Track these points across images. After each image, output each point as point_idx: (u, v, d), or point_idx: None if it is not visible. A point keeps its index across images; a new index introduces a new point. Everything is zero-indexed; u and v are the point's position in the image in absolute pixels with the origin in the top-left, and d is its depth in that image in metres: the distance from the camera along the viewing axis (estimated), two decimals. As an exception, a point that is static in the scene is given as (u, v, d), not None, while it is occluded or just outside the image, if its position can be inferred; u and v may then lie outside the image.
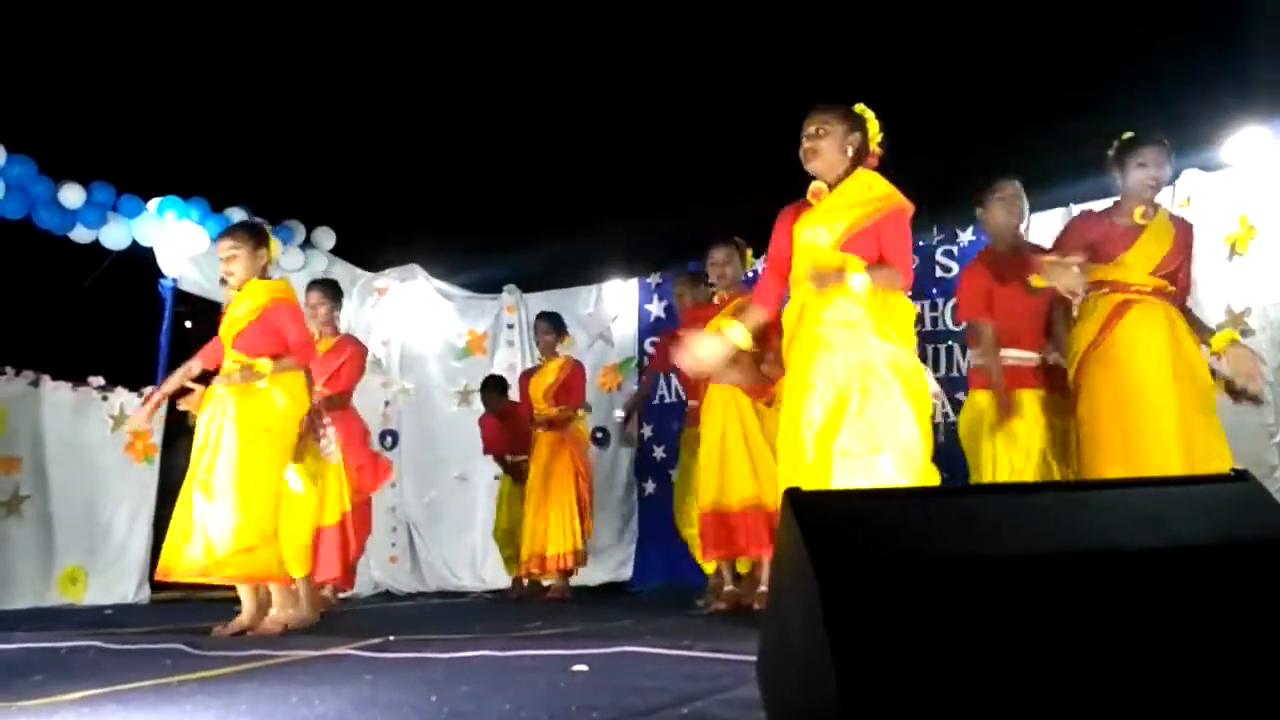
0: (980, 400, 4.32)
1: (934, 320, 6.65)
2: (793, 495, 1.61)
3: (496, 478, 7.41)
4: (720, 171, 7.80)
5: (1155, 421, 3.85)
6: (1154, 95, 6.20)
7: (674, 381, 7.27)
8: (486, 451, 7.16)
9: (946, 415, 4.75)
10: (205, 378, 4.61)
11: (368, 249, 8.23)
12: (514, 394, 7.16)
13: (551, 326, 6.67)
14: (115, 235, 6.87)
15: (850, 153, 3.55)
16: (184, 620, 4.86)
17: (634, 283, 7.88)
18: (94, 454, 6.87)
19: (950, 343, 6.55)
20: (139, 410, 4.72)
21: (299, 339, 4.49)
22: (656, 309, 7.79)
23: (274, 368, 4.37)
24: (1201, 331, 4.12)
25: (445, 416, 8.06)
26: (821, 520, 1.54)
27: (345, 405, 5.63)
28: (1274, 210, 5.32)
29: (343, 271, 7.80)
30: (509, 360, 8.07)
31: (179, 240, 6.89)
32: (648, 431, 7.58)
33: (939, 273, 6.64)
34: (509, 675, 2.85)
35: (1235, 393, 4.05)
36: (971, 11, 7.02)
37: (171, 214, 6.92)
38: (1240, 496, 1.62)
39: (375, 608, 6.50)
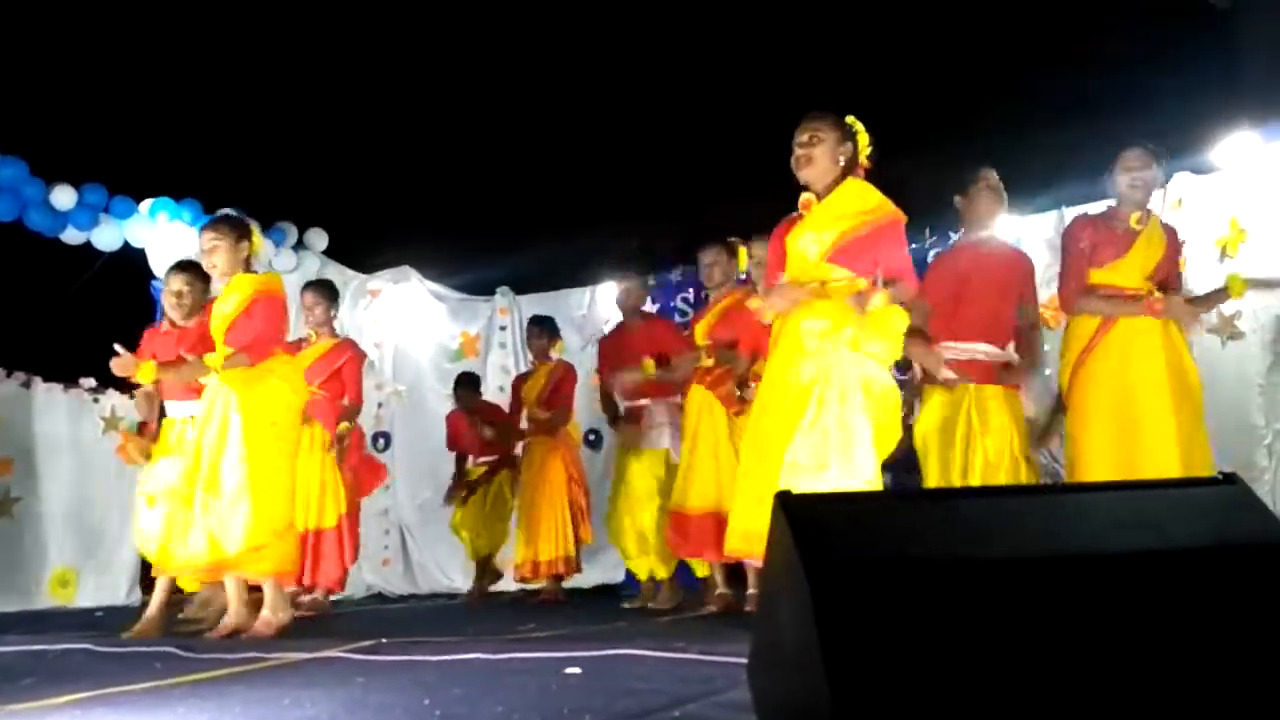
0: (940, 398, 4.23)
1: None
2: (784, 498, 1.61)
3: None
4: (714, 174, 7.80)
5: (1151, 427, 3.87)
6: (1145, 98, 6.22)
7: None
8: (451, 448, 7.08)
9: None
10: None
11: (361, 251, 8.22)
12: (492, 395, 7.19)
13: (544, 330, 6.67)
14: (107, 237, 6.86)
15: (841, 162, 3.56)
16: (175, 623, 4.85)
17: (615, 287, 7.87)
18: (85, 456, 6.86)
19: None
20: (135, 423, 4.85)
21: (261, 335, 4.38)
22: (650, 310, 7.78)
23: (225, 362, 4.27)
24: (1211, 298, 4.22)
25: (438, 419, 8.02)
26: (812, 523, 1.55)
27: (340, 408, 5.63)
28: (1265, 214, 5.34)
29: (335, 273, 7.78)
30: (501, 362, 8.07)
31: (171, 242, 6.88)
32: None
33: (931, 275, 6.64)
34: (501, 677, 2.85)
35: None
36: (964, 15, 7.03)
37: (163, 215, 6.90)
38: (1228, 499, 1.63)
39: (368, 610, 6.49)
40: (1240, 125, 5.55)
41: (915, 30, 7.18)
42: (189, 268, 4.85)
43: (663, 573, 5.52)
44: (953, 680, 1.39)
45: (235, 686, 2.84)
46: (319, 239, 7.86)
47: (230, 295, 4.45)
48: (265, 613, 4.31)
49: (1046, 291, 6.08)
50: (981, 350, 4.20)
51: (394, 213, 8.51)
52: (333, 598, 5.96)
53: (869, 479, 3.31)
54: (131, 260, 7.08)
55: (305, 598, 5.58)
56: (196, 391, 4.51)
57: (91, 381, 6.93)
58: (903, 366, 3.76)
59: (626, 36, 7.95)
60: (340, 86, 8.19)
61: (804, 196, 3.58)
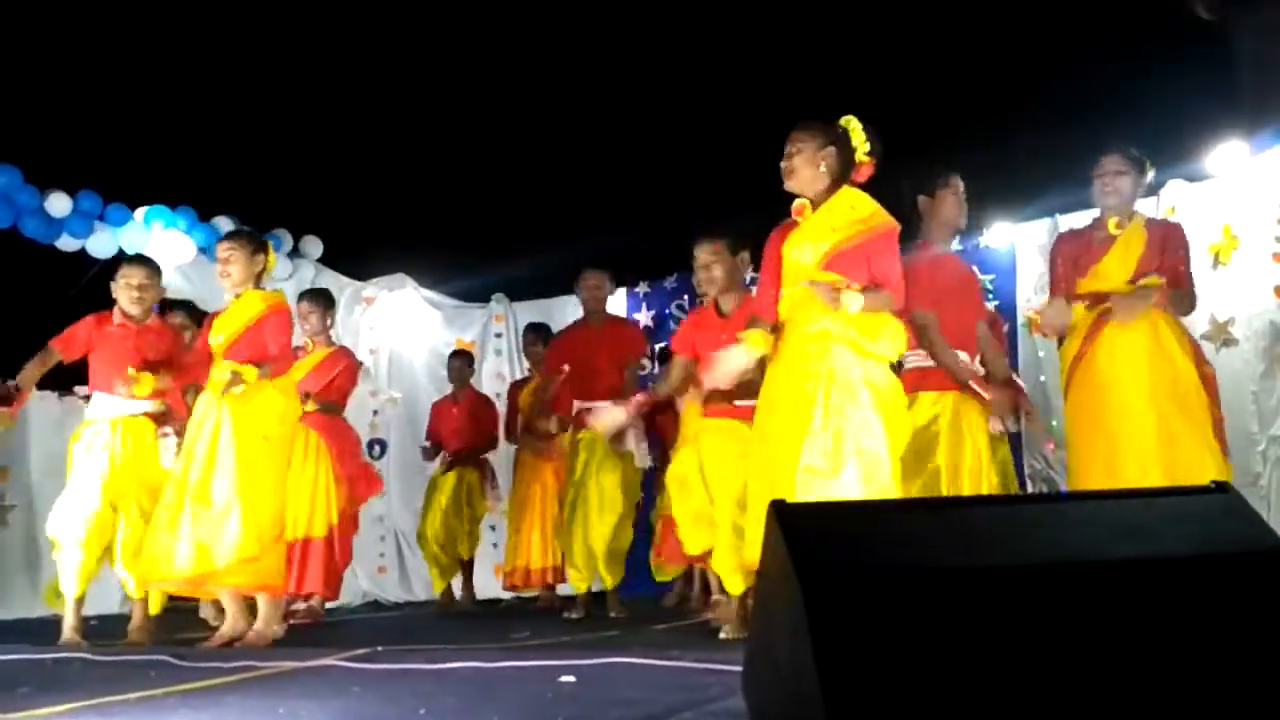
0: (927, 402, 4.07)
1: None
2: (778, 507, 1.61)
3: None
4: (710, 182, 7.81)
5: (1132, 434, 3.88)
6: (1138, 107, 6.25)
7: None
8: (429, 438, 7.00)
9: None
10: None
11: (356, 258, 8.22)
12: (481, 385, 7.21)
13: (539, 337, 6.67)
14: (102, 244, 6.85)
15: (824, 168, 3.48)
16: (170, 631, 4.84)
17: (621, 293, 7.88)
18: (80, 464, 6.84)
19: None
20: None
21: (280, 350, 4.46)
22: (645, 318, 7.79)
23: (258, 374, 4.32)
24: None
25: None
26: (806, 532, 1.55)
27: (336, 416, 5.63)
28: (1257, 221, 5.36)
29: (330, 280, 7.78)
30: (497, 369, 8.07)
31: (166, 249, 6.87)
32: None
33: (925, 283, 6.65)
34: (496, 686, 2.85)
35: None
36: (956, 24, 7.05)
37: (158, 223, 6.90)
38: (1220, 508, 1.64)
39: (363, 618, 6.48)
40: (1233, 133, 5.58)
41: (907, 40, 7.21)
42: (148, 263, 4.86)
43: (611, 582, 5.49)
44: (945, 689, 1.40)
45: (230, 696, 2.84)
46: (314, 246, 7.86)
47: (239, 310, 4.48)
48: (259, 625, 4.31)
49: (1041, 298, 6.12)
50: (964, 359, 4.18)
51: (389, 220, 8.51)
52: (327, 605, 5.95)
53: (885, 481, 3.24)
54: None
55: (299, 606, 5.58)
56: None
57: (85, 389, 6.91)
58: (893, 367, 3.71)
59: (621, 44, 7.96)
60: (335, 94, 8.18)
61: (797, 203, 3.55)
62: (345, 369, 5.70)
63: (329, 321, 5.85)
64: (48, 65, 7.44)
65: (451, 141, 8.49)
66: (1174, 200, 5.58)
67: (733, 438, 4.17)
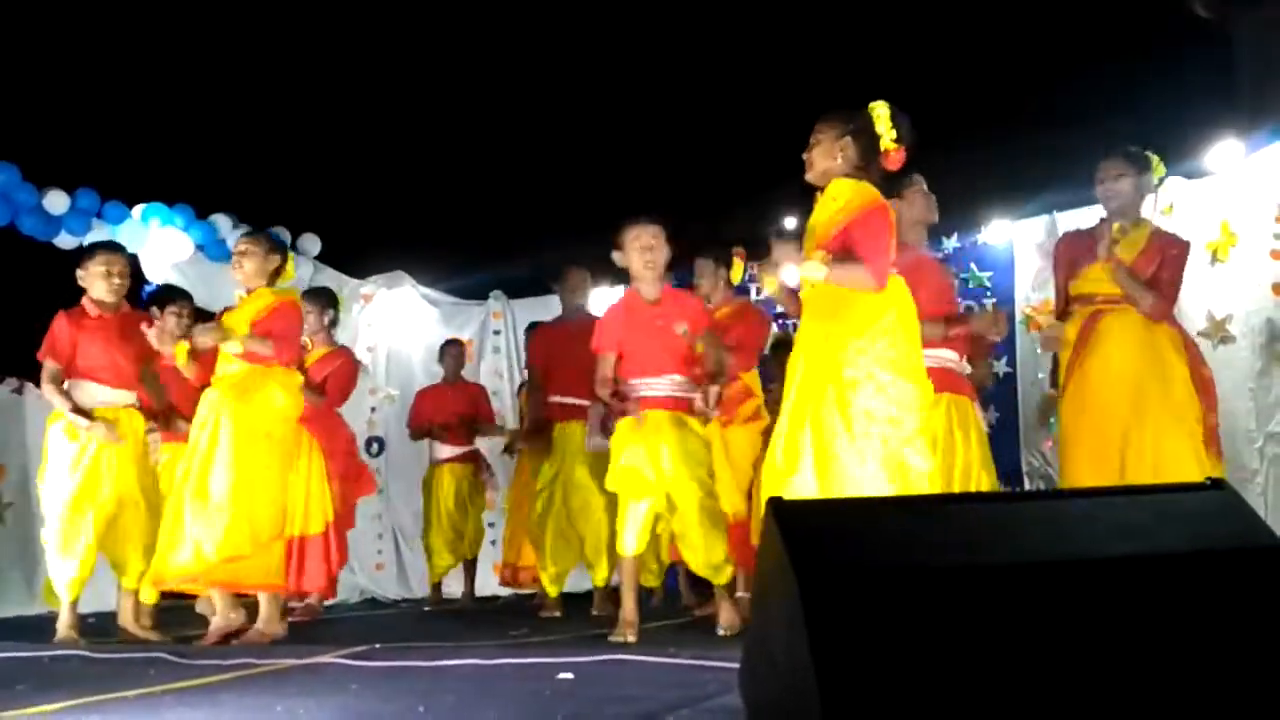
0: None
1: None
2: (775, 505, 1.62)
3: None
4: (709, 178, 7.82)
5: (1116, 434, 3.90)
6: (1137, 104, 6.25)
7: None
8: (417, 423, 6.93)
9: None
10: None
11: (354, 255, 8.21)
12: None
13: None
14: (100, 242, 6.85)
15: (840, 159, 3.41)
16: (168, 628, 4.85)
17: (620, 289, 7.87)
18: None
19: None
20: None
21: (280, 333, 4.43)
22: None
23: (247, 340, 4.31)
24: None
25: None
26: (803, 530, 1.55)
27: (330, 414, 5.62)
28: (1255, 218, 5.36)
29: (329, 278, 7.77)
30: (495, 367, 8.06)
31: (163, 247, 6.87)
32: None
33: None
34: (494, 683, 2.86)
35: None
36: (956, 21, 7.05)
37: (156, 220, 6.90)
38: (1216, 505, 1.64)
39: (361, 615, 6.49)
40: (1231, 131, 5.58)
41: (907, 39, 7.21)
42: (122, 249, 4.88)
43: (599, 579, 5.50)
44: (941, 685, 1.40)
45: (227, 693, 2.84)
46: (312, 244, 7.85)
47: (248, 306, 4.50)
48: (260, 624, 4.32)
49: (1039, 295, 6.12)
50: (951, 359, 4.16)
51: (387, 217, 8.51)
52: (325, 603, 5.95)
53: (842, 479, 3.17)
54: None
55: (297, 604, 5.58)
56: (126, 382, 4.57)
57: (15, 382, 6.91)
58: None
59: (620, 40, 7.96)
60: (333, 92, 8.19)
61: (817, 194, 3.50)
62: (339, 368, 5.70)
63: (327, 320, 5.84)
64: (46, 63, 7.44)
65: (449, 139, 8.49)
66: (1173, 198, 5.58)
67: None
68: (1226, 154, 5.52)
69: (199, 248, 7.05)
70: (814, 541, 1.52)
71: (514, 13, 8.09)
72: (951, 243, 6.52)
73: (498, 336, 8.16)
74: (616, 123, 8.09)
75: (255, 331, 4.36)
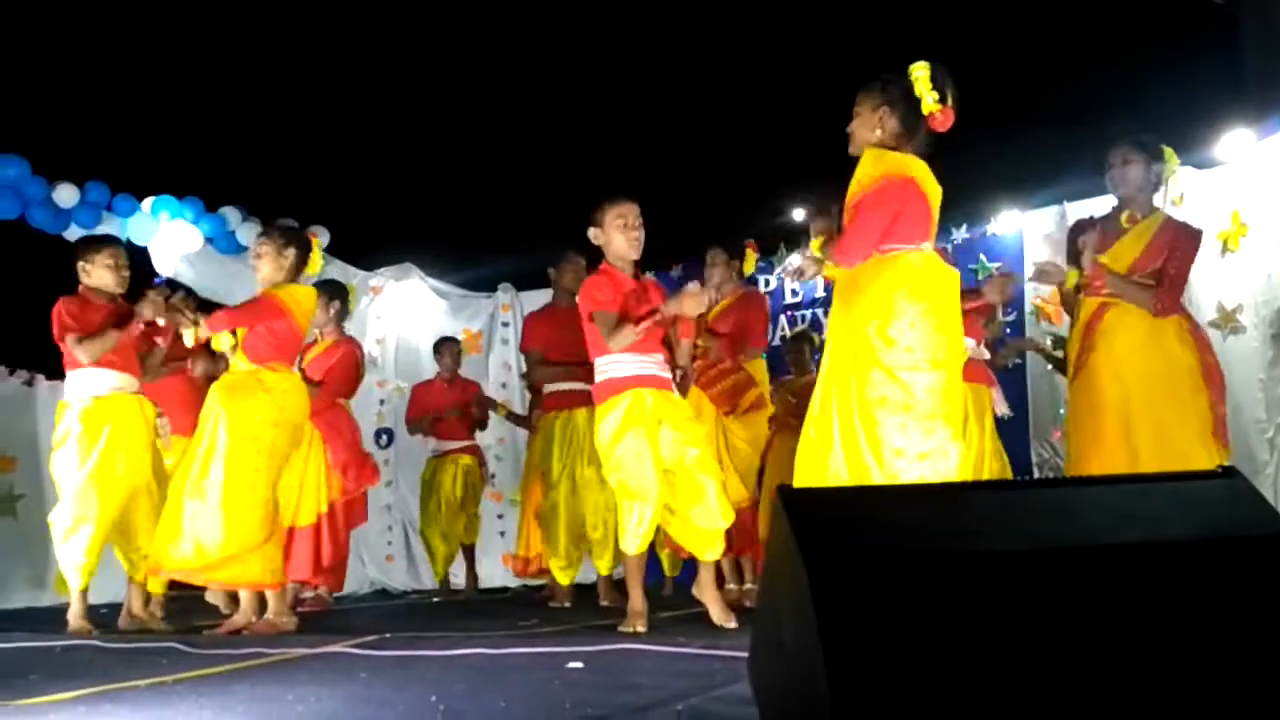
0: None
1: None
2: (784, 492, 1.62)
3: (493, 475, 7.37)
4: (718, 170, 7.81)
5: (1121, 423, 3.90)
6: (1148, 94, 6.23)
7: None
8: (416, 429, 6.96)
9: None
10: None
11: (362, 248, 8.22)
12: (494, 392, 7.15)
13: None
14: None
15: (881, 130, 3.34)
16: (179, 619, 4.87)
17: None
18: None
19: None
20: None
21: (236, 319, 4.47)
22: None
23: (201, 330, 4.42)
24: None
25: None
26: (812, 516, 1.55)
27: (333, 405, 5.63)
28: (1266, 207, 5.34)
29: (337, 270, 7.78)
30: (503, 358, 8.07)
31: (173, 240, 6.89)
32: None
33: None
34: (504, 672, 2.86)
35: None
36: (968, 11, 7.03)
37: (165, 213, 6.91)
38: (1227, 493, 1.63)
39: (371, 606, 6.50)
40: (1242, 120, 5.55)
41: (915, 29, 7.18)
42: (118, 242, 4.92)
43: (604, 569, 5.49)
44: (951, 673, 1.40)
45: (239, 682, 2.85)
46: (321, 236, 7.85)
47: None
48: (268, 616, 4.34)
49: (1048, 286, 6.10)
50: (968, 346, 4.13)
51: (396, 209, 8.52)
52: (335, 594, 5.97)
53: (949, 467, 3.15)
54: (134, 258, 7.08)
55: (308, 594, 5.60)
56: (134, 368, 4.62)
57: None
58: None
59: (628, 31, 7.95)
60: (342, 85, 8.19)
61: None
62: (341, 358, 5.71)
63: (334, 312, 5.84)
64: (55, 58, 7.46)
65: (458, 131, 8.50)
66: (1183, 188, 5.56)
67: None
68: (1237, 144, 5.49)
69: (208, 240, 7.06)
70: (823, 528, 1.52)
71: (523, 7, 8.09)
72: (961, 234, 6.51)
73: (506, 329, 8.17)
74: (626, 115, 8.09)
75: (249, 339, 4.41)
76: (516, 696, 2.40)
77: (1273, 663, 1.44)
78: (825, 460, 3.25)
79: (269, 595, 4.38)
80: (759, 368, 5.28)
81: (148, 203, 6.95)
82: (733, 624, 3.94)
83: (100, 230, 6.80)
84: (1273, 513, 1.61)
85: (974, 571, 1.48)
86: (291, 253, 4.53)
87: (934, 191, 3.37)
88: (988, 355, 4.21)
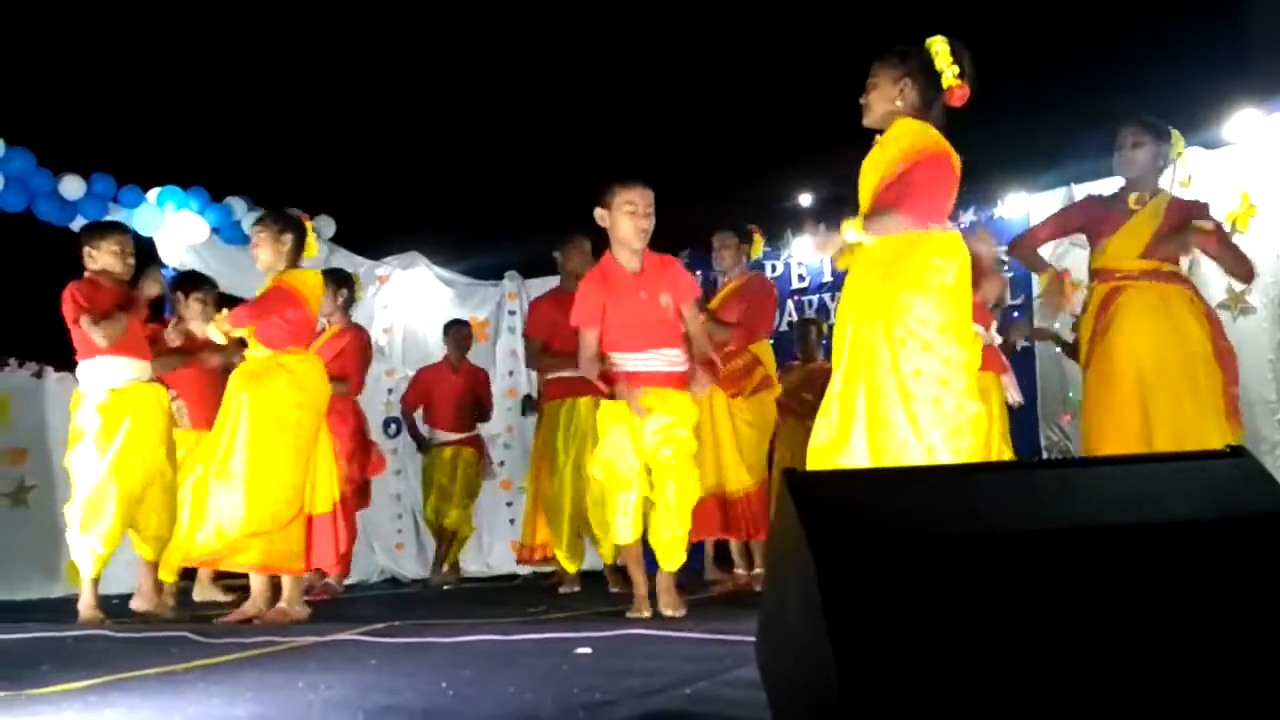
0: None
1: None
2: (789, 475, 1.61)
3: (501, 463, 7.37)
4: (725, 157, 7.78)
5: (1138, 406, 3.89)
6: (1156, 74, 6.19)
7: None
8: (417, 404, 6.92)
9: None
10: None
11: (368, 237, 8.22)
12: (501, 380, 7.12)
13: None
14: (116, 226, 6.88)
15: (900, 101, 3.28)
16: (191, 608, 4.89)
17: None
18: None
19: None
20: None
21: (253, 314, 4.49)
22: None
23: (223, 317, 4.44)
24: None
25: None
26: (818, 500, 1.55)
27: (343, 393, 5.63)
28: (1274, 188, 5.31)
29: (343, 259, 7.78)
30: (510, 346, 8.07)
31: (179, 230, 6.90)
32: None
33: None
34: (512, 658, 2.87)
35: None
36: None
37: (171, 204, 6.92)
38: (1236, 472, 1.62)
39: (380, 594, 6.53)
40: (1251, 101, 5.52)
41: (919, 8, 7.14)
42: (125, 229, 4.95)
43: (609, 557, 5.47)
44: (959, 655, 1.39)
45: (249, 670, 2.86)
46: (326, 226, 7.85)
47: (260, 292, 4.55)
48: (281, 604, 4.36)
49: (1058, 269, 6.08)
50: (982, 333, 4.11)
51: (401, 198, 8.51)
52: (344, 582, 5.99)
53: (901, 453, 3.07)
54: (140, 249, 7.09)
55: (317, 582, 5.62)
56: (146, 354, 4.64)
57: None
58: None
59: (633, 16, 7.92)
60: (347, 74, 8.18)
61: (876, 138, 3.38)
62: (347, 346, 5.72)
63: (340, 300, 5.85)
64: (61, 50, 7.46)
65: (463, 119, 8.48)
66: (1191, 169, 5.54)
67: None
68: (1245, 124, 5.46)
69: (214, 230, 7.07)
70: (829, 512, 1.52)
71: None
72: (968, 216, 6.48)
73: (513, 316, 8.16)
74: (631, 102, 8.06)
75: (249, 316, 4.44)
76: (525, 682, 2.40)
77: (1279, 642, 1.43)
78: (846, 439, 3.17)
79: (285, 582, 4.38)
80: (765, 351, 5.28)
81: (153, 194, 6.96)
82: (682, 612, 3.91)
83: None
84: (1281, 492, 1.61)
85: (981, 553, 1.47)
86: (289, 237, 4.53)
87: (959, 169, 3.33)
88: (999, 340, 4.18)
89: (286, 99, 8.03)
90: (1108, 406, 3.97)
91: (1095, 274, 4.14)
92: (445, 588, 6.72)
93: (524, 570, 7.08)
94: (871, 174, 3.32)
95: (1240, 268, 4.20)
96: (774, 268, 7.23)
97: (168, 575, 4.84)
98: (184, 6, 7.60)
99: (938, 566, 1.45)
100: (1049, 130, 6.40)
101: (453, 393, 6.86)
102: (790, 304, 7.22)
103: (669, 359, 3.99)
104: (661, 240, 5.16)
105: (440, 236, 8.33)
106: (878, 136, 3.37)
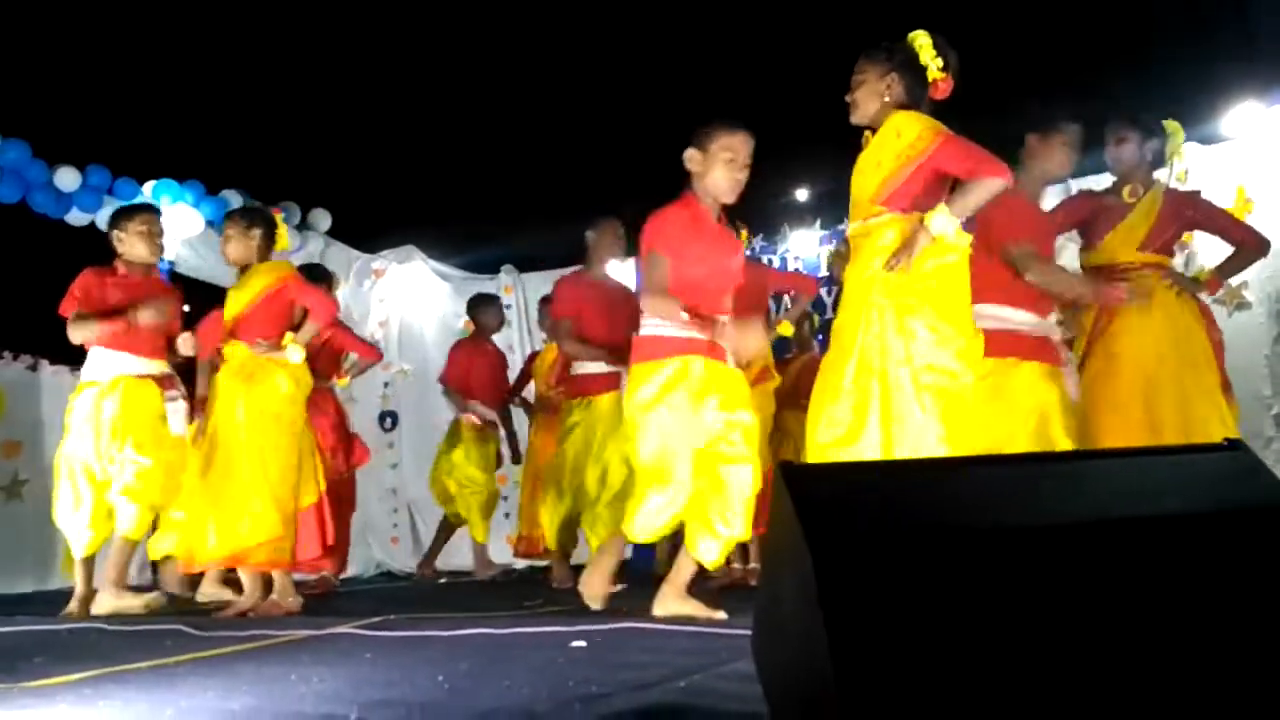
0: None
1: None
2: (785, 469, 1.61)
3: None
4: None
5: (1144, 401, 3.88)
6: (1153, 69, 6.18)
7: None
8: (450, 383, 6.65)
9: None
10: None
11: (364, 230, 8.21)
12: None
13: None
14: (111, 218, 6.86)
15: (888, 97, 3.26)
16: (182, 603, 4.88)
17: (631, 263, 7.85)
18: (93, 437, 6.87)
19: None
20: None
21: (315, 302, 4.54)
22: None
23: (295, 336, 4.40)
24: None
25: (444, 398, 8.06)
26: (814, 493, 1.54)
27: (321, 386, 5.60)
28: (1271, 184, 5.31)
29: (339, 253, 7.79)
30: (507, 340, 8.05)
31: (174, 223, 6.87)
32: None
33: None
34: (508, 652, 2.87)
35: None
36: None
37: (166, 197, 6.90)
38: (1233, 465, 1.62)
39: (376, 588, 6.52)
40: (1248, 95, 5.52)
41: (919, 6, 7.13)
42: (158, 211, 4.93)
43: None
44: (955, 649, 1.39)
45: (243, 663, 2.86)
46: (322, 219, 7.85)
47: (245, 285, 4.51)
48: (274, 596, 4.36)
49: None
50: (1040, 323, 3.80)
51: (397, 192, 8.49)
52: (340, 576, 5.98)
53: (917, 447, 3.03)
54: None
55: (311, 577, 5.61)
56: (157, 352, 4.62)
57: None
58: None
59: (626, 13, 7.90)
60: (343, 67, 8.15)
61: (866, 135, 3.36)
62: (334, 334, 5.71)
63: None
64: (56, 40, 7.43)
65: (459, 113, 8.46)
66: (1187, 164, 5.53)
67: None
68: (1243, 118, 5.46)
69: (209, 224, 7.05)
70: (824, 504, 1.51)
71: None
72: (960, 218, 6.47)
73: (508, 310, 8.16)
74: (626, 96, 8.05)
75: (258, 319, 4.42)
76: (521, 676, 2.40)
77: (1278, 635, 1.43)
78: (858, 435, 3.13)
79: (276, 576, 4.39)
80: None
81: (149, 186, 6.94)
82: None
83: (102, 214, 6.81)
84: (1278, 486, 1.60)
85: (977, 546, 1.47)
86: (257, 232, 4.52)
87: None
88: (1059, 332, 3.85)
89: (283, 92, 8.01)
90: (1112, 404, 3.95)
91: (1092, 270, 4.14)
92: (441, 581, 6.71)
93: (520, 564, 7.07)
94: (871, 171, 3.28)
95: (1251, 237, 4.19)
96: (770, 262, 7.23)
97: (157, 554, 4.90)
98: (180, -1, 7.57)
99: (933, 559, 1.45)
100: (1046, 125, 6.39)
101: (488, 369, 6.70)
102: (786, 298, 7.21)
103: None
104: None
105: (437, 230, 8.32)
106: (867, 134, 3.35)
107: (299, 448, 4.44)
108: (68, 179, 6.58)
